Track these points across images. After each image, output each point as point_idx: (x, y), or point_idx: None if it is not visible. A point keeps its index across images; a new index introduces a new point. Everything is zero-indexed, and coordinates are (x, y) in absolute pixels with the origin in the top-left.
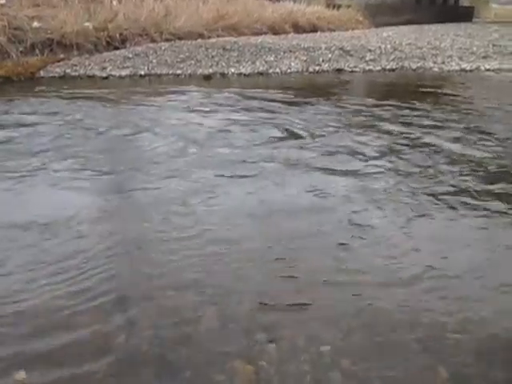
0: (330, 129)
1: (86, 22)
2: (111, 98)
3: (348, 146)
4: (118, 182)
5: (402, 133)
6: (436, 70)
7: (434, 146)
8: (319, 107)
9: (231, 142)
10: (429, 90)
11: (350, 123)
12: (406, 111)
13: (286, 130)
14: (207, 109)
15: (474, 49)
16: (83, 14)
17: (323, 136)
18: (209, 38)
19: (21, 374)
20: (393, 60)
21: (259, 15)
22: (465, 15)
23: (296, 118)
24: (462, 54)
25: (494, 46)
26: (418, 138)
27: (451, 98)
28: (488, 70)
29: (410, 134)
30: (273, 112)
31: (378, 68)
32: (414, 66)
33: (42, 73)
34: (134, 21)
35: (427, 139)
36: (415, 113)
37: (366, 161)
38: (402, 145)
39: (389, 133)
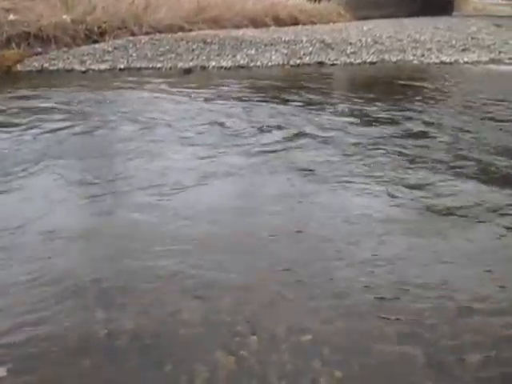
0: None
1: (64, 15)
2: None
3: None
4: None
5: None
6: (416, 62)
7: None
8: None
9: None
10: (408, 82)
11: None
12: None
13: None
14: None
15: (453, 42)
16: (61, 7)
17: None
18: (189, 31)
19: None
20: (373, 53)
21: (240, 8)
22: (444, 9)
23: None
24: (442, 46)
25: (472, 39)
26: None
27: (430, 90)
28: (466, 62)
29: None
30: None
31: (359, 61)
32: (394, 59)
33: (18, 67)
34: (113, 14)
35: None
36: (391, 105)
37: None
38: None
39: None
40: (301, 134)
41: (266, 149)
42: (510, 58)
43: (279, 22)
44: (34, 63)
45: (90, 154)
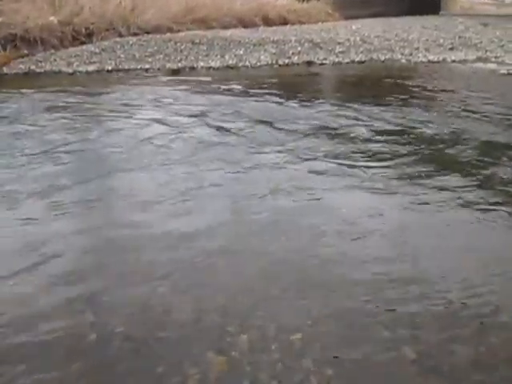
0: None
1: (51, 17)
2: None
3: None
4: None
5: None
6: (404, 61)
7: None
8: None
9: None
10: (397, 81)
11: None
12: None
13: None
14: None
15: (441, 41)
16: (48, 8)
17: None
18: (177, 31)
19: None
20: (362, 52)
21: (229, 8)
22: (432, 8)
23: None
24: (429, 45)
25: (459, 37)
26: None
27: (417, 88)
28: (454, 61)
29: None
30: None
31: (347, 60)
32: (382, 58)
33: (5, 69)
34: (101, 15)
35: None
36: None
37: None
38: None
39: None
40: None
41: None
42: (496, 57)
43: (268, 21)
44: (21, 66)
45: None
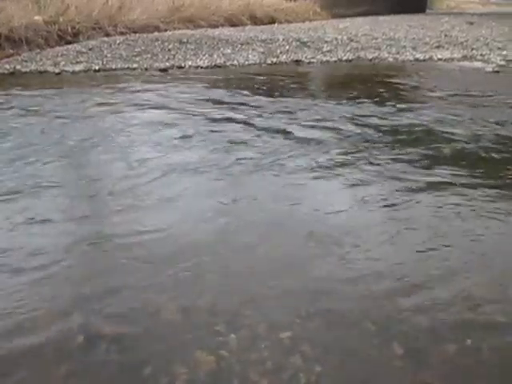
0: None
1: (36, 16)
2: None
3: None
4: None
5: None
6: (391, 60)
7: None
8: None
9: None
10: (384, 79)
11: None
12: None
13: None
14: None
15: (427, 39)
16: (33, 7)
17: None
18: (165, 30)
19: None
20: (349, 51)
21: (216, 7)
22: (419, 6)
23: None
24: (416, 44)
25: (445, 36)
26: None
27: (405, 86)
28: (440, 59)
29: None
30: None
31: (335, 59)
32: (369, 57)
33: None
34: (87, 14)
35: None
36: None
37: None
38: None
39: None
40: None
41: None
42: (481, 55)
43: (255, 20)
44: (6, 65)
45: None
